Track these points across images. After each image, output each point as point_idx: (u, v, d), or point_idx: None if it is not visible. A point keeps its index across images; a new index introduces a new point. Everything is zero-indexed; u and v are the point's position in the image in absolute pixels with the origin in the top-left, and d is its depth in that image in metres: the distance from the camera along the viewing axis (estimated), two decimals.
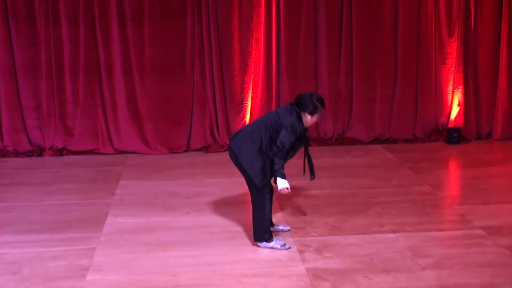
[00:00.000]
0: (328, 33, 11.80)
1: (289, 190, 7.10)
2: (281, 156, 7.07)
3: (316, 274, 6.66)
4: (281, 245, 7.31)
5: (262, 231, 7.33)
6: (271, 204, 7.38)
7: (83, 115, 11.54)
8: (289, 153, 7.21)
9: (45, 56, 11.33)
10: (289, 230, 7.80)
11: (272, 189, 7.35)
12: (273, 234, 7.53)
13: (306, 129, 7.33)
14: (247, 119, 11.72)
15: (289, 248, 7.29)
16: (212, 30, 11.48)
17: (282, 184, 7.03)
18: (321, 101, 7.26)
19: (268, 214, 7.34)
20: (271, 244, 7.33)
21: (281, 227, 7.80)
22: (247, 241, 7.52)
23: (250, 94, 11.76)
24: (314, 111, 7.17)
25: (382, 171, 10.37)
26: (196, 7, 11.44)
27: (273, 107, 11.62)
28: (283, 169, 7.08)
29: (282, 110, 7.29)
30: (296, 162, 7.49)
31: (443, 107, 12.22)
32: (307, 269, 6.79)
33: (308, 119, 7.21)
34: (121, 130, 11.64)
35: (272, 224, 7.64)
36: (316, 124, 7.39)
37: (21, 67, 11.38)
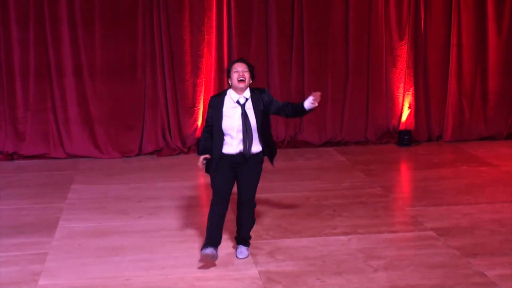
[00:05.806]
0: (280, 37, 11.84)
1: (200, 164, 6.90)
2: (204, 132, 7.00)
3: (269, 277, 6.68)
4: (202, 250, 6.89)
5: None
6: (219, 212, 6.91)
7: (34, 119, 11.42)
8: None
9: None
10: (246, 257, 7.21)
11: (223, 199, 6.92)
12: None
13: (242, 104, 7.04)
14: (199, 123, 11.69)
15: (209, 255, 6.83)
16: (164, 33, 11.45)
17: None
18: (233, 61, 7.16)
19: (211, 220, 6.93)
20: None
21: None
22: (199, 245, 7.51)
23: (202, 97, 11.74)
24: (227, 72, 7.03)
25: (334, 173, 10.42)
26: (147, 10, 11.40)
27: None
28: (203, 144, 6.93)
29: None
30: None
31: (394, 109, 12.32)
32: (259, 272, 6.80)
33: (230, 81, 7.00)
34: (73, 134, 11.54)
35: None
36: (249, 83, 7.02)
37: None
